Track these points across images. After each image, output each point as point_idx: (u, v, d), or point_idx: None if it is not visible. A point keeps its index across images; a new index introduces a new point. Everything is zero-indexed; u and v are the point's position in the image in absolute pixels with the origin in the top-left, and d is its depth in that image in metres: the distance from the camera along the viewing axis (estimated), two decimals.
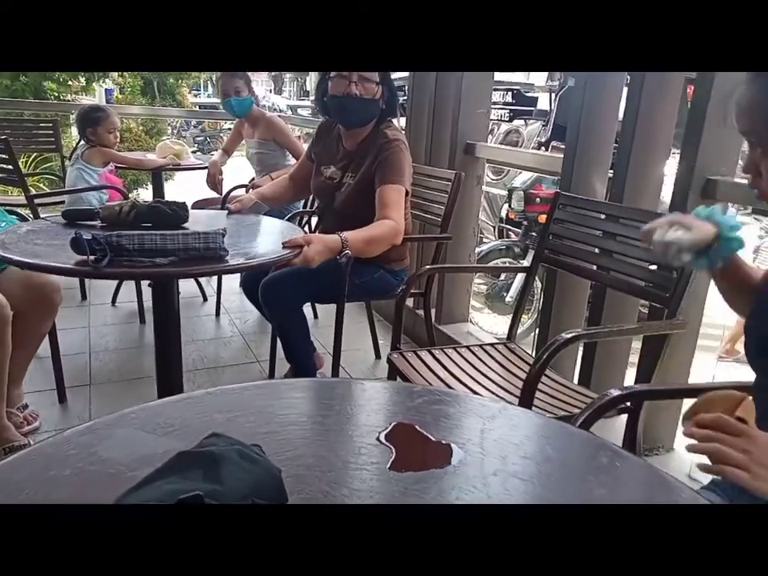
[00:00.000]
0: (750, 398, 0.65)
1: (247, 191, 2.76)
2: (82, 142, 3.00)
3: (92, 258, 1.21)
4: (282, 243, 1.50)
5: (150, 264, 1.26)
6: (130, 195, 3.69)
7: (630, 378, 1.85)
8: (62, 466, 0.60)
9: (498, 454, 0.69)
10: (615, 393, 0.90)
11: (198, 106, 9.99)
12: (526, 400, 1.18)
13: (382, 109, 1.92)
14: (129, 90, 7.67)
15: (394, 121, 2.02)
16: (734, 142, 1.60)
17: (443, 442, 0.71)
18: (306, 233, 1.88)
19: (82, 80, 6.52)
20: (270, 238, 1.76)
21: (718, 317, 2.85)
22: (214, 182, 3.03)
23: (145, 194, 5.54)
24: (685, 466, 1.76)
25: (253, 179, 2.94)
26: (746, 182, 1.78)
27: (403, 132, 2.18)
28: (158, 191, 3.55)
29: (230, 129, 3.20)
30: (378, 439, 0.71)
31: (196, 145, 11.22)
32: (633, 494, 0.64)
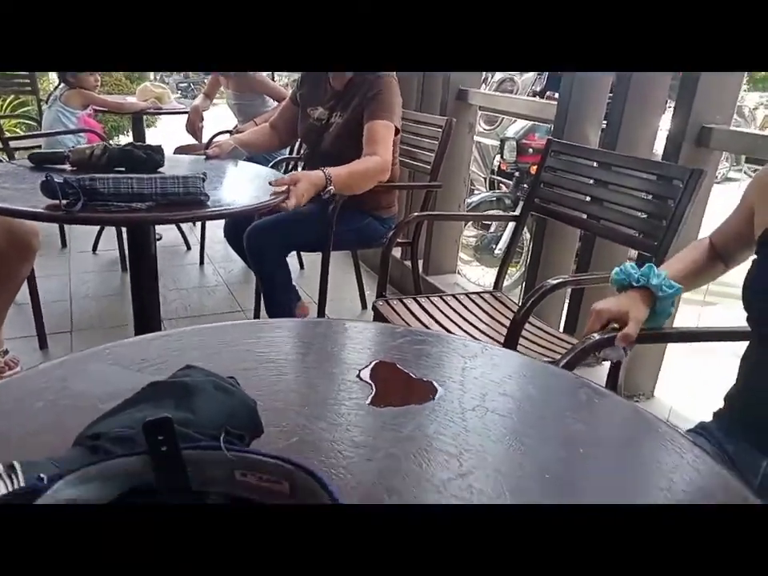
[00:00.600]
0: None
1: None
2: (61, 84, 2.89)
3: (64, 202, 1.15)
4: (270, 183, 1.48)
5: (127, 209, 1.20)
6: (110, 142, 3.58)
7: None
8: (35, 399, 0.59)
9: (478, 391, 0.68)
10: (599, 336, 0.90)
11: None
12: (510, 343, 1.18)
13: None
14: None
15: None
16: (730, 91, 1.56)
17: (424, 379, 0.70)
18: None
19: None
20: (253, 183, 1.71)
21: None
22: (194, 128, 2.94)
23: (126, 141, 5.38)
24: (665, 412, 1.80)
25: (237, 125, 2.85)
26: (741, 129, 1.75)
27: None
28: (139, 137, 3.44)
29: None
30: (358, 376, 0.70)
31: (179, 91, 10.85)
32: (611, 429, 0.65)
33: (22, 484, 0.36)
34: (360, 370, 0.71)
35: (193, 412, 0.47)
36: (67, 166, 1.52)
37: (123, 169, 1.49)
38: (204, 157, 1.88)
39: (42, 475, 0.37)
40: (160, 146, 1.57)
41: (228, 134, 2.71)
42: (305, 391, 0.67)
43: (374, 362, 0.74)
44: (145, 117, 3.45)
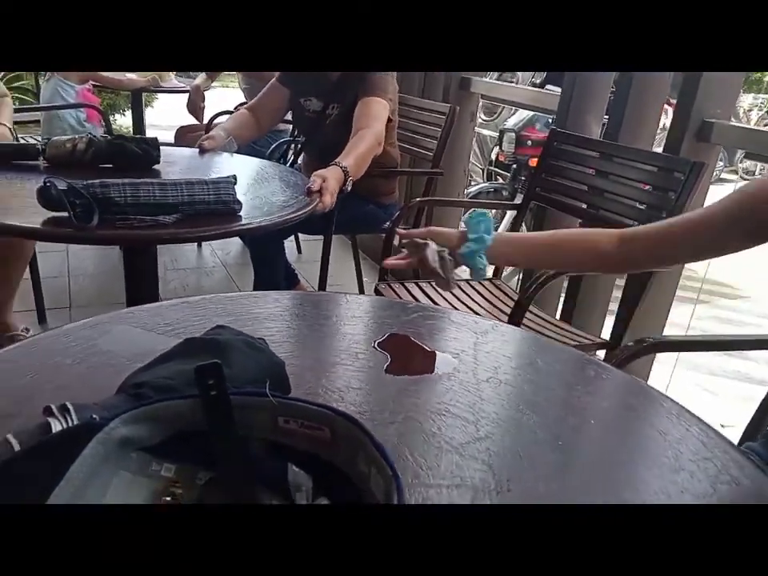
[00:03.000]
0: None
1: None
2: None
3: (72, 215, 0.94)
4: (308, 189, 1.38)
5: (153, 223, 0.99)
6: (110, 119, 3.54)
7: (608, 322, 1.90)
8: (64, 356, 0.60)
9: (491, 364, 0.71)
10: (642, 344, 0.86)
11: None
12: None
13: None
14: None
15: None
16: (731, 85, 1.59)
17: (438, 352, 0.72)
18: (295, 170, 1.83)
19: None
20: (272, 183, 1.52)
21: (699, 268, 2.90)
22: (196, 107, 2.90)
23: (123, 121, 5.32)
24: None
25: (241, 104, 2.82)
26: (740, 124, 1.78)
27: None
28: (139, 116, 3.41)
29: None
30: (373, 346, 0.72)
31: (175, 71, 10.70)
32: (619, 402, 0.67)
33: (76, 422, 0.38)
34: (375, 341, 0.73)
35: (228, 367, 0.49)
36: (42, 162, 1.29)
37: (110, 166, 1.30)
38: (198, 150, 1.74)
39: (93, 415, 0.38)
40: (155, 138, 1.39)
41: (229, 115, 2.69)
42: (323, 357, 0.69)
43: (387, 334, 0.76)
44: (144, 95, 3.41)
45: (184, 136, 2.93)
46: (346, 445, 0.39)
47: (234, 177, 1.14)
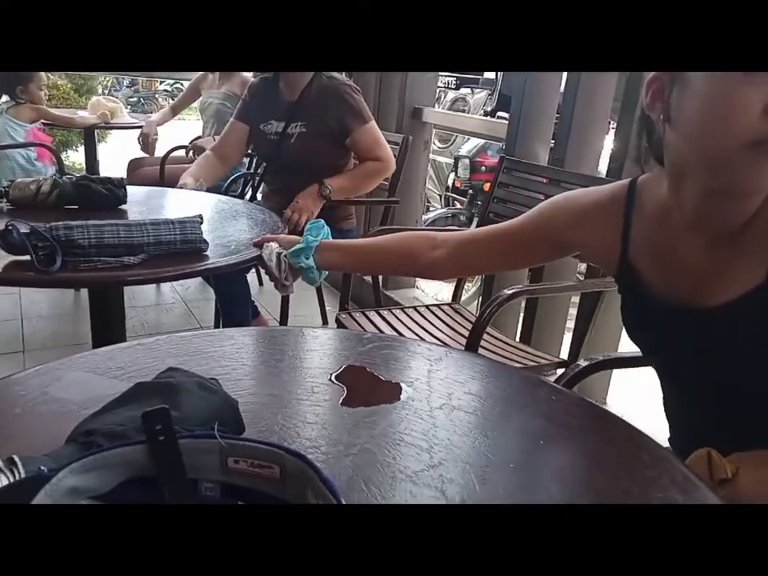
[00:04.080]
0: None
1: (187, 152, 2.66)
2: (5, 98, 2.81)
3: (35, 258, 0.93)
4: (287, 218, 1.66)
5: (118, 264, 0.99)
6: (58, 176, 3.49)
7: (566, 341, 1.95)
8: (13, 406, 0.60)
9: (444, 391, 0.73)
10: (585, 363, 0.93)
11: None
12: (471, 350, 1.23)
13: None
14: None
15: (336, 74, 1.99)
16: None
17: (392, 381, 0.74)
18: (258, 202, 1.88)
19: None
20: (240, 221, 1.46)
21: None
22: (147, 141, 2.89)
23: (75, 157, 5.23)
24: None
25: (196, 138, 2.81)
26: None
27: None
28: (91, 153, 3.37)
29: (165, 90, 3.05)
30: (330, 379, 0.73)
31: (129, 107, 10.62)
32: (567, 421, 0.70)
33: (23, 475, 0.38)
34: (332, 374, 0.74)
35: (179, 410, 0.49)
36: (4, 205, 1.29)
37: (75, 207, 1.31)
38: (160, 187, 1.80)
39: (42, 467, 0.38)
40: (122, 178, 1.39)
41: (183, 150, 2.69)
42: (279, 393, 0.70)
43: (344, 366, 0.77)
44: (96, 131, 3.38)
45: (136, 169, 2.91)
46: (295, 481, 0.40)
47: (200, 216, 1.15)
